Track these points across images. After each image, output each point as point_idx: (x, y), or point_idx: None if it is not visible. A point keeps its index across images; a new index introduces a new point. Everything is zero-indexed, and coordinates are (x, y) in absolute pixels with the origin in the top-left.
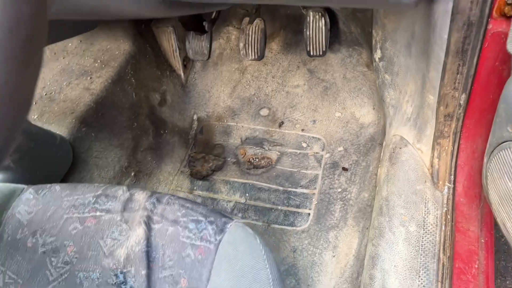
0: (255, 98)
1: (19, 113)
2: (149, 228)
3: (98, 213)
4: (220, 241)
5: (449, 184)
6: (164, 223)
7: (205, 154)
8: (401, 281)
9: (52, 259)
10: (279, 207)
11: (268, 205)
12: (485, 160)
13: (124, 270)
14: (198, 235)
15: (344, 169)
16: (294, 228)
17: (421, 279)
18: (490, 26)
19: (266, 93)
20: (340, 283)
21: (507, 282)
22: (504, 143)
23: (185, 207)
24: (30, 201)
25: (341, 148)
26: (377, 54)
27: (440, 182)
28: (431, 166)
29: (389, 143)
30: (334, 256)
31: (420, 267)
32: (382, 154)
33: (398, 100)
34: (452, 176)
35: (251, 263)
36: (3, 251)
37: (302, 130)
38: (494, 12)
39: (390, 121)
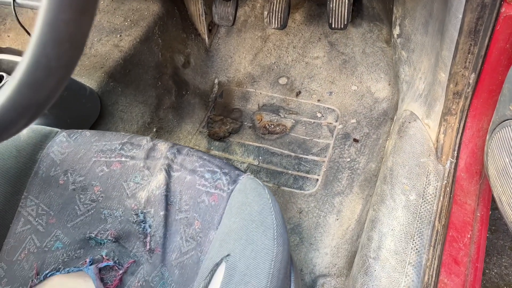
0: (275, 67)
1: (75, 53)
2: (169, 175)
3: (123, 159)
4: (232, 190)
5: (452, 159)
6: (182, 171)
7: (223, 117)
8: (396, 243)
9: (81, 196)
10: (290, 172)
11: (279, 169)
12: (487, 137)
13: (144, 211)
14: (213, 184)
15: (355, 140)
16: (302, 191)
17: (415, 242)
18: (503, 10)
19: (286, 63)
20: (341, 243)
21: (503, 260)
22: (506, 121)
23: (203, 158)
24: (63, 143)
25: (354, 120)
26: (396, 31)
27: (444, 157)
28: (437, 141)
29: (399, 117)
30: (337, 220)
31: (415, 232)
32: (392, 127)
33: (412, 77)
34: (455, 152)
35: (259, 209)
36: (37, 186)
37: (318, 100)
38: None
39: (402, 96)
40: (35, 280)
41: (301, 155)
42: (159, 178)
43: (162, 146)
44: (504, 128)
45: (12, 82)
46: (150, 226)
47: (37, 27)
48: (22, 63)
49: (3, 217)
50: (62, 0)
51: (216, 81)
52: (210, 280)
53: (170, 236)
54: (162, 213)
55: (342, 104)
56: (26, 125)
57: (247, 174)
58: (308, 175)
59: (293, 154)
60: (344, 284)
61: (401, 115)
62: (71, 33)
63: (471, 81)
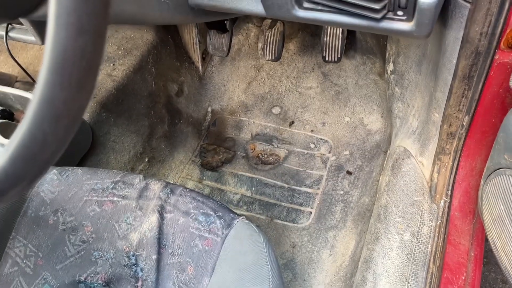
0: (269, 96)
1: (72, 127)
2: (161, 217)
3: (115, 198)
4: (226, 235)
5: (445, 199)
6: (176, 213)
7: (216, 146)
8: (391, 286)
9: (71, 236)
10: (283, 204)
11: (272, 201)
12: (481, 182)
13: (136, 253)
14: (207, 227)
15: (348, 172)
16: (295, 225)
17: (410, 285)
18: (497, 56)
19: (280, 92)
20: (334, 281)
21: None
22: (500, 169)
23: (197, 200)
24: (53, 182)
25: (347, 152)
26: (389, 67)
27: (438, 196)
28: (431, 179)
29: (393, 153)
30: (331, 255)
31: (410, 274)
32: (385, 162)
33: (405, 113)
34: (449, 191)
35: (254, 259)
36: (26, 226)
37: (311, 131)
38: (501, 44)
39: (396, 131)
40: None
41: (294, 187)
42: (152, 220)
43: (155, 186)
44: (498, 176)
45: (6, 153)
46: (141, 270)
47: (34, 102)
48: (17, 135)
49: None
50: (61, 78)
51: (209, 109)
52: None
53: (162, 281)
54: (154, 256)
55: (335, 135)
56: (15, 195)
57: (242, 218)
58: (302, 208)
59: (286, 185)
60: None
61: (395, 150)
62: (69, 109)
63: (464, 123)
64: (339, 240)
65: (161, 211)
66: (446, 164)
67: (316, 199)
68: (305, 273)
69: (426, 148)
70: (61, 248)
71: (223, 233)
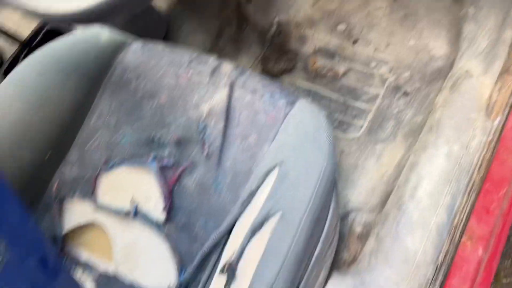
0: (336, 13)
1: None
2: (231, 93)
3: (190, 73)
4: (289, 111)
5: (501, 117)
6: (244, 90)
7: (278, 56)
8: (432, 186)
9: (149, 101)
10: (336, 115)
11: (326, 112)
12: None
13: (206, 121)
14: (272, 104)
15: (405, 93)
16: (346, 135)
17: (451, 187)
18: None
19: (347, 10)
20: (377, 184)
21: None
22: None
23: (264, 80)
24: (137, 52)
25: (407, 74)
26: None
27: (494, 114)
28: (490, 98)
29: (454, 73)
30: (376, 163)
31: (453, 178)
32: (445, 82)
33: (475, 34)
34: (506, 111)
35: (314, 128)
36: (111, 86)
37: (374, 50)
38: None
39: (461, 53)
40: (103, 169)
41: (349, 101)
42: (222, 94)
43: (227, 66)
44: None
45: None
46: (209, 136)
47: None
48: None
49: (80, 110)
50: None
51: (275, 19)
52: (261, 183)
53: (226, 145)
54: (221, 125)
55: (397, 57)
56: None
57: (305, 99)
58: (354, 121)
59: (342, 99)
60: (376, 219)
61: (457, 71)
62: None
63: None
64: (387, 152)
65: (231, 88)
66: (509, 84)
67: (369, 115)
68: (350, 176)
69: (491, 67)
70: (139, 109)
71: (286, 109)
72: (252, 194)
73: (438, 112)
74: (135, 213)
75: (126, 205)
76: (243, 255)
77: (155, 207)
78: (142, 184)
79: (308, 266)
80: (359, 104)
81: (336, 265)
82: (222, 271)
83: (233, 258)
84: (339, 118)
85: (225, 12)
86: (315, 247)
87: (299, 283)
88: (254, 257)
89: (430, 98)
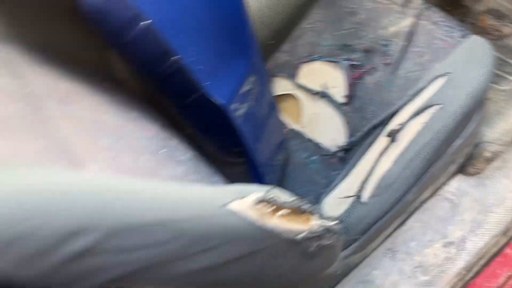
0: None
1: None
2: (416, 21)
3: (385, 1)
4: (463, 41)
5: None
6: (428, 21)
7: (452, 8)
8: None
9: (349, 18)
10: None
11: None
12: None
13: (391, 39)
14: (449, 34)
15: None
16: (496, 85)
17: None
18: None
19: None
20: None
21: None
22: None
23: (445, 17)
24: None
25: None
26: None
27: None
28: None
29: None
30: None
31: None
32: None
33: None
34: None
35: (481, 55)
36: (323, 3)
37: None
38: None
39: None
40: (305, 60)
41: (508, 59)
42: (408, 21)
43: (417, 0)
44: None
45: None
46: (391, 50)
47: None
48: None
49: (298, 15)
50: None
51: None
52: (428, 85)
53: (403, 59)
54: (402, 43)
55: None
56: None
57: (479, 36)
58: (507, 76)
59: (501, 56)
60: (505, 150)
61: None
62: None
63: None
64: None
65: (417, 17)
66: None
67: None
68: (490, 120)
69: None
70: (341, 22)
71: (459, 40)
72: (418, 92)
73: None
74: (323, 94)
75: (317, 87)
76: (405, 127)
77: (339, 93)
78: (332, 76)
79: (443, 154)
80: None
81: (461, 172)
82: (387, 135)
83: (397, 127)
84: (494, 70)
85: None
86: (453, 141)
87: (432, 164)
88: (412, 130)
89: None
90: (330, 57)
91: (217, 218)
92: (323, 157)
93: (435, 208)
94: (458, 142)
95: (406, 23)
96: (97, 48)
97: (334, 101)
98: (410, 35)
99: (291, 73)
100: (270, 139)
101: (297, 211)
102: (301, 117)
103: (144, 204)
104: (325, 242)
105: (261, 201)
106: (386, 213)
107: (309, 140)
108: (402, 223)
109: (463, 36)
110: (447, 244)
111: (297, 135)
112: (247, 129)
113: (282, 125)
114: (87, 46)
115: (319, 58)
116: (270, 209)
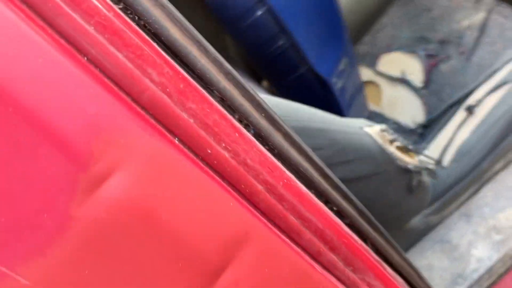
0: None
1: None
2: (488, 16)
3: None
4: None
5: None
6: (498, 15)
7: None
8: None
9: (426, 14)
10: None
11: None
12: None
13: (464, 32)
14: None
15: None
16: None
17: None
18: None
19: None
20: None
21: None
22: None
23: None
24: None
25: None
26: None
27: None
28: None
29: None
30: None
31: None
32: None
33: None
34: None
35: None
36: (401, 2)
37: None
38: None
39: None
40: (385, 50)
41: None
42: (480, 16)
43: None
44: None
45: None
46: (464, 41)
47: None
48: None
49: (377, 12)
50: None
51: None
52: (502, 67)
53: (476, 48)
54: (476, 35)
55: None
56: None
57: None
58: None
59: None
60: None
61: None
62: None
63: None
64: None
65: (489, 12)
66: None
67: None
68: None
69: None
70: (418, 18)
71: None
72: (493, 73)
73: None
74: (402, 80)
75: (397, 74)
76: (481, 103)
77: (417, 78)
78: (410, 64)
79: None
80: None
81: None
82: (466, 109)
83: (474, 103)
84: None
85: None
86: None
87: (506, 135)
88: (489, 105)
89: None
90: (408, 48)
91: (357, 135)
92: (403, 134)
93: (506, 179)
94: None
95: (478, 17)
96: (213, 33)
97: (413, 85)
98: (483, 28)
99: (372, 62)
100: (357, 114)
101: (405, 148)
102: (381, 101)
103: (313, 116)
104: (424, 178)
105: (384, 130)
106: (464, 177)
107: (388, 119)
108: (476, 192)
109: None
110: None
111: (377, 115)
112: (342, 101)
113: (366, 102)
114: (206, 28)
115: (398, 49)
116: (389, 138)
